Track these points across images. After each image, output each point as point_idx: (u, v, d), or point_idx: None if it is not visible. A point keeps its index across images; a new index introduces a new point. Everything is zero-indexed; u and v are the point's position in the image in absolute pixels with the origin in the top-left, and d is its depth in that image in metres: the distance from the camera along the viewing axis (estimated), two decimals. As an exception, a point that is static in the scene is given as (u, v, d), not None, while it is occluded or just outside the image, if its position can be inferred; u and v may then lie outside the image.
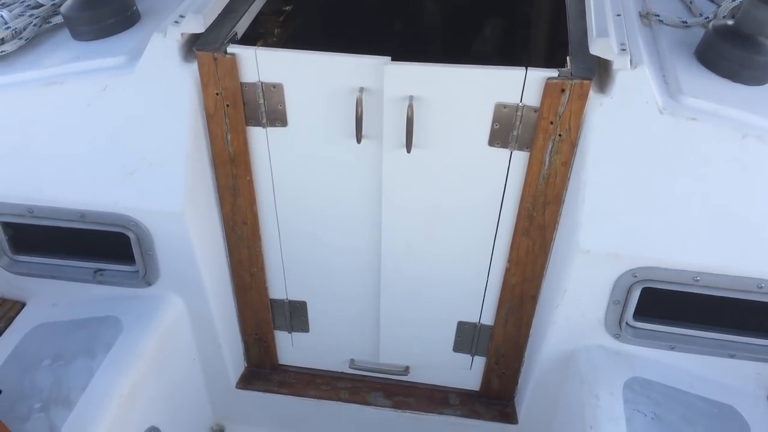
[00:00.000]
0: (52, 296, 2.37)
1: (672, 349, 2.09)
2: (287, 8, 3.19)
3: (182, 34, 1.92)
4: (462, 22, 3.98)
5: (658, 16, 2.17)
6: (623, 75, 1.79)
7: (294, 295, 2.51)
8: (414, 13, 4.05)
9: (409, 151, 1.96)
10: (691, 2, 2.28)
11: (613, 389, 2.03)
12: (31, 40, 2.19)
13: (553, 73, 1.81)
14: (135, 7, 2.23)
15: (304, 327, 2.61)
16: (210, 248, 2.26)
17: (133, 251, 2.18)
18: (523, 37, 3.93)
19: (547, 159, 1.94)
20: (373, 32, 3.77)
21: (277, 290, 2.50)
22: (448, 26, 4.02)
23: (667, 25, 2.16)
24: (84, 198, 2.08)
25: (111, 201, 2.07)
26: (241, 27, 2.10)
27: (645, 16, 2.18)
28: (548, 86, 1.81)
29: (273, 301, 2.53)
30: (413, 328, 2.50)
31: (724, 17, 2.11)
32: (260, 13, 2.29)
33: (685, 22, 2.15)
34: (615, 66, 1.78)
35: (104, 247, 2.26)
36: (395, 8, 4.01)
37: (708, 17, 2.15)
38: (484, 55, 3.93)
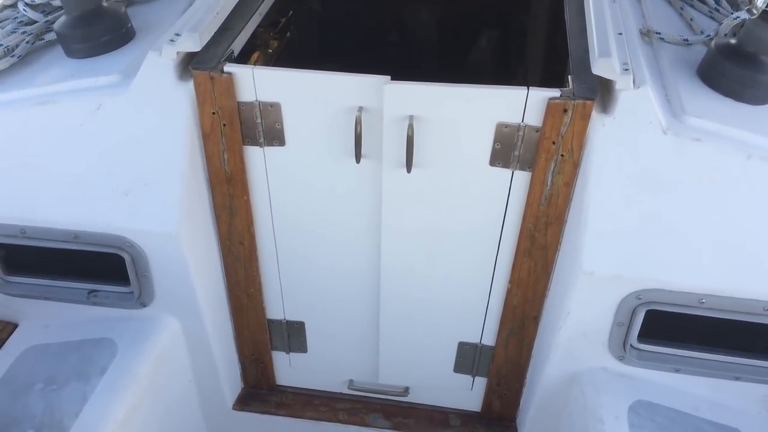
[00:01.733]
0: (45, 317, 2.33)
1: (677, 371, 2.06)
2: (283, 19, 3.17)
3: (178, 52, 1.89)
4: (458, 32, 3.97)
5: (659, 33, 2.14)
6: (626, 95, 1.77)
7: (292, 316, 2.47)
8: (410, 23, 4.04)
9: (409, 171, 1.93)
10: (691, 19, 2.26)
11: (618, 413, 1.99)
12: (24, 57, 2.16)
13: (555, 93, 1.78)
14: (130, 24, 2.20)
15: (302, 347, 2.57)
16: (206, 269, 2.22)
17: (128, 272, 2.14)
18: (519, 48, 3.93)
19: (549, 179, 1.91)
20: (370, 42, 3.79)
21: (275, 310, 2.46)
22: (444, 37, 4.01)
23: (669, 42, 2.14)
24: (77, 218, 2.04)
25: (105, 221, 2.03)
26: (238, 44, 2.07)
27: (646, 34, 2.16)
28: (550, 106, 1.78)
29: (270, 322, 2.49)
30: (413, 349, 2.47)
31: (725, 35, 2.09)
32: (257, 26, 2.27)
33: (687, 40, 2.13)
34: (618, 86, 1.76)
35: (98, 267, 2.22)
36: (391, 18, 3.99)
37: (709, 35, 2.13)
38: (480, 66, 3.94)
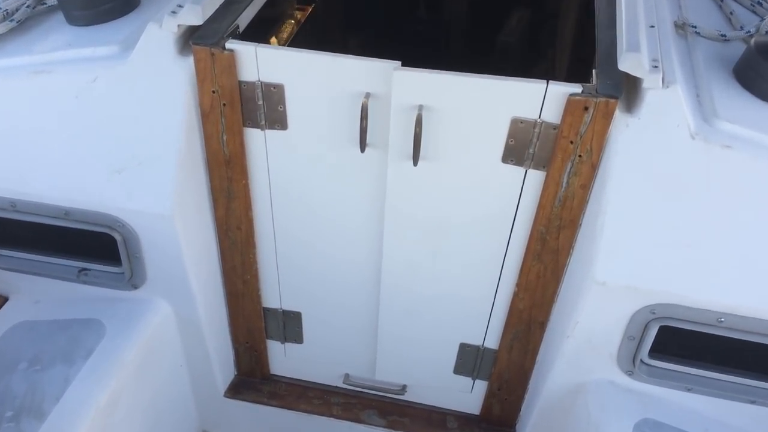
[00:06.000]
0: (36, 293, 2.26)
1: (688, 390, 1.94)
2: None
3: (179, 25, 1.79)
4: (488, 11, 3.83)
5: (695, 27, 2.00)
6: (653, 94, 1.64)
7: (288, 305, 2.39)
8: None
9: (416, 164, 1.82)
10: (731, 13, 2.11)
11: (623, 430, 1.89)
12: (24, 22, 2.06)
13: (577, 88, 1.65)
14: None
15: (297, 338, 2.48)
16: (201, 253, 2.14)
17: (120, 253, 2.06)
18: (550, 29, 3.79)
19: (565, 180, 1.79)
20: (397, 18, 3.66)
21: (271, 299, 2.37)
22: (474, 15, 3.87)
23: (704, 37, 1.99)
24: (69, 195, 1.96)
25: (97, 200, 1.95)
26: (244, 19, 1.96)
27: (681, 27, 2.01)
28: (570, 103, 1.66)
29: (266, 310, 2.40)
30: (412, 347, 2.37)
31: (767, 33, 1.94)
32: None
33: (724, 36, 1.98)
34: (645, 84, 1.63)
35: (90, 245, 2.14)
36: None
37: (749, 31, 1.98)
38: (509, 46, 3.80)
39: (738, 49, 1.92)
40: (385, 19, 3.59)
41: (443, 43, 3.89)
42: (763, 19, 1.98)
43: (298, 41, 2.64)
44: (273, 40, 2.55)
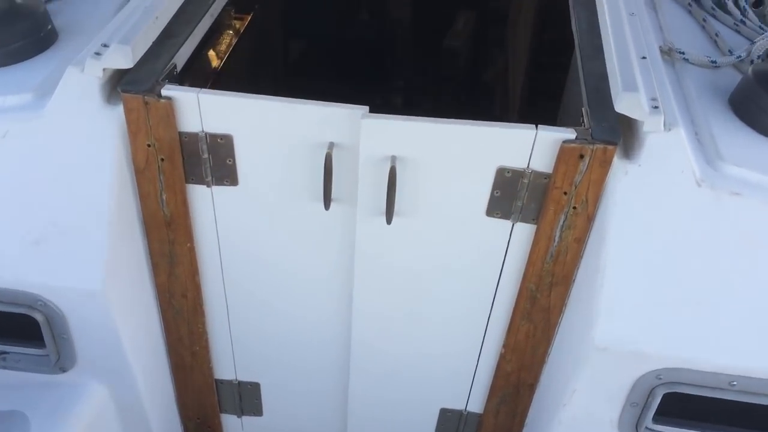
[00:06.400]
0: None
1: None
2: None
3: (104, 69, 1.51)
4: (433, 13, 3.69)
5: (683, 53, 1.84)
6: (654, 139, 1.47)
7: (245, 376, 2.12)
8: (382, 2, 3.74)
9: (389, 221, 1.59)
10: (716, 34, 1.96)
11: None
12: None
13: (570, 134, 1.46)
14: (50, 26, 1.81)
15: (256, 410, 2.21)
16: (140, 326, 1.85)
17: (43, 334, 1.75)
18: (499, 33, 3.67)
19: (558, 234, 1.59)
20: (340, 22, 3.50)
21: (225, 370, 2.10)
22: (419, 17, 3.70)
23: (693, 64, 1.83)
24: None
25: (12, 277, 1.65)
26: (182, 56, 1.70)
27: (667, 53, 1.85)
28: (564, 151, 1.46)
29: (219, 382, 2.13)
30: (387, 415, 2.14)
31: (759, 57, 1.80)
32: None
33: (714, 62, 1.82)
34: (645, 128, 1.45)
35: (8, 324, 1.82)
36: None
37: (740, 56, 1.83)
38: (457, 51, 3.68)
39: (729, 76, 1.77)
40: (326, 24, 3.40)
41: (387, 48, 3.71)
42: (753, 43, 1.84)
43: (238, 52, 2.40)
44: (211, 53, 2.30)
